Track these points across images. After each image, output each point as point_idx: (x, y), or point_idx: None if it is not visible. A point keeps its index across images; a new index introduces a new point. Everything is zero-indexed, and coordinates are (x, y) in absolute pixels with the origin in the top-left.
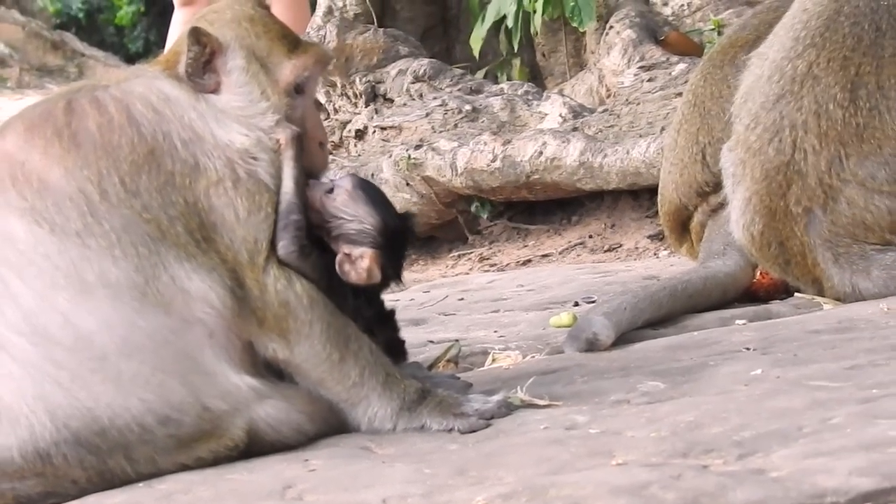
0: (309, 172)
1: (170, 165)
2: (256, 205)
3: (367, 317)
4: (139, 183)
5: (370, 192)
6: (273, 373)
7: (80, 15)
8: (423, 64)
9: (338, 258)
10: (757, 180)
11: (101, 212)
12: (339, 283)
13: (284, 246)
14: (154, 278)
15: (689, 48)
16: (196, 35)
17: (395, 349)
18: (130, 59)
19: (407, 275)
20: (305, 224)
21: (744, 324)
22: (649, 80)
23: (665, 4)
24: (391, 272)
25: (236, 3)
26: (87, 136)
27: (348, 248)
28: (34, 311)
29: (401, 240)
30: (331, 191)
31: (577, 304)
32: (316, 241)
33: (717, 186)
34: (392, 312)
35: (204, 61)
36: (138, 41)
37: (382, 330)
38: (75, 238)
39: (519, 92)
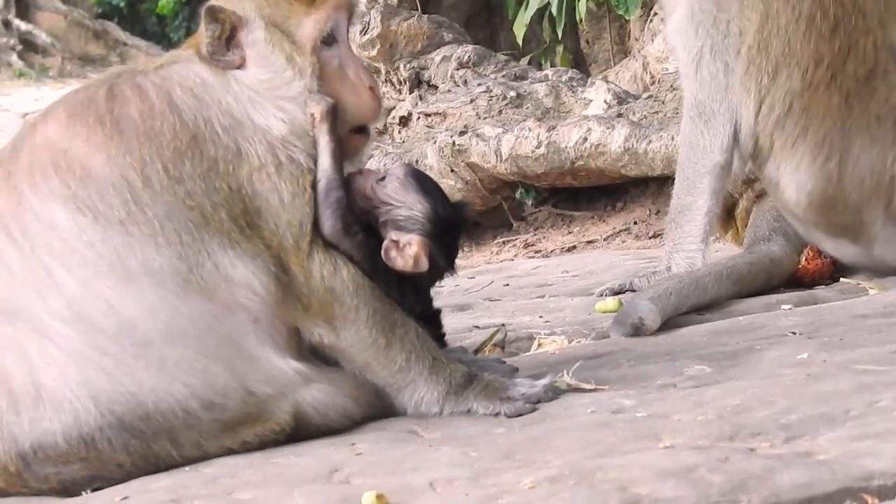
0: (362, 121)
1: (212, 152)
2: (300, 188)
3: (414, 312)
4: (182, 170)
5: (422, 180)
6: (319, 357)
7: (122, 4)
8: (467, 50)
9: (384, 244)
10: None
11: (145, 199)
12: (384, 272)
13: (330, 225)
14: (197, 266)
15: None
16: (212, 13)
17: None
18: (172, 48)
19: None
20: (347, 201)
21: (789, 308)
22: None
23: None
24: (442, 262)
25: None
26: (129, 123)
27: (396, 235)
28: (78, 298)
29: (454, 229)
30: (383, 179)
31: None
32: (364, 227)
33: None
34: (438, 311)
35: (226, 38)
36: (180, 30)
37: (426, 327)
38: (118, 226)
39: (563, 78)
